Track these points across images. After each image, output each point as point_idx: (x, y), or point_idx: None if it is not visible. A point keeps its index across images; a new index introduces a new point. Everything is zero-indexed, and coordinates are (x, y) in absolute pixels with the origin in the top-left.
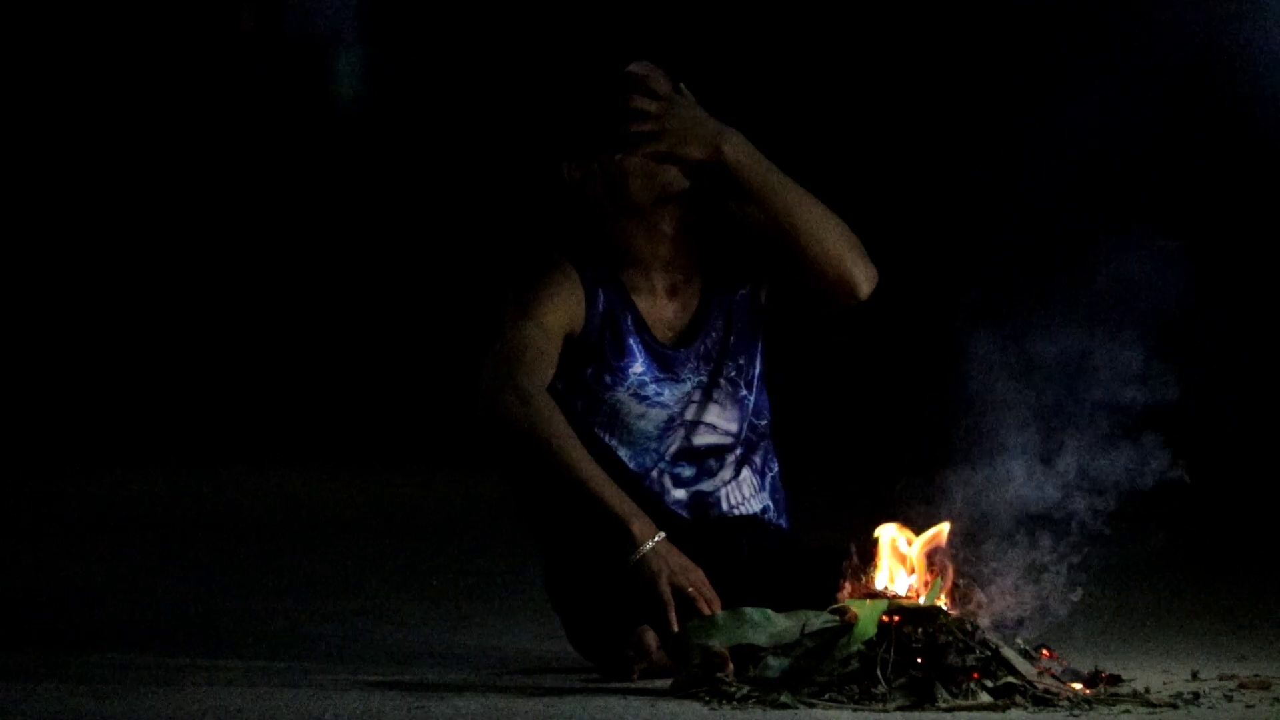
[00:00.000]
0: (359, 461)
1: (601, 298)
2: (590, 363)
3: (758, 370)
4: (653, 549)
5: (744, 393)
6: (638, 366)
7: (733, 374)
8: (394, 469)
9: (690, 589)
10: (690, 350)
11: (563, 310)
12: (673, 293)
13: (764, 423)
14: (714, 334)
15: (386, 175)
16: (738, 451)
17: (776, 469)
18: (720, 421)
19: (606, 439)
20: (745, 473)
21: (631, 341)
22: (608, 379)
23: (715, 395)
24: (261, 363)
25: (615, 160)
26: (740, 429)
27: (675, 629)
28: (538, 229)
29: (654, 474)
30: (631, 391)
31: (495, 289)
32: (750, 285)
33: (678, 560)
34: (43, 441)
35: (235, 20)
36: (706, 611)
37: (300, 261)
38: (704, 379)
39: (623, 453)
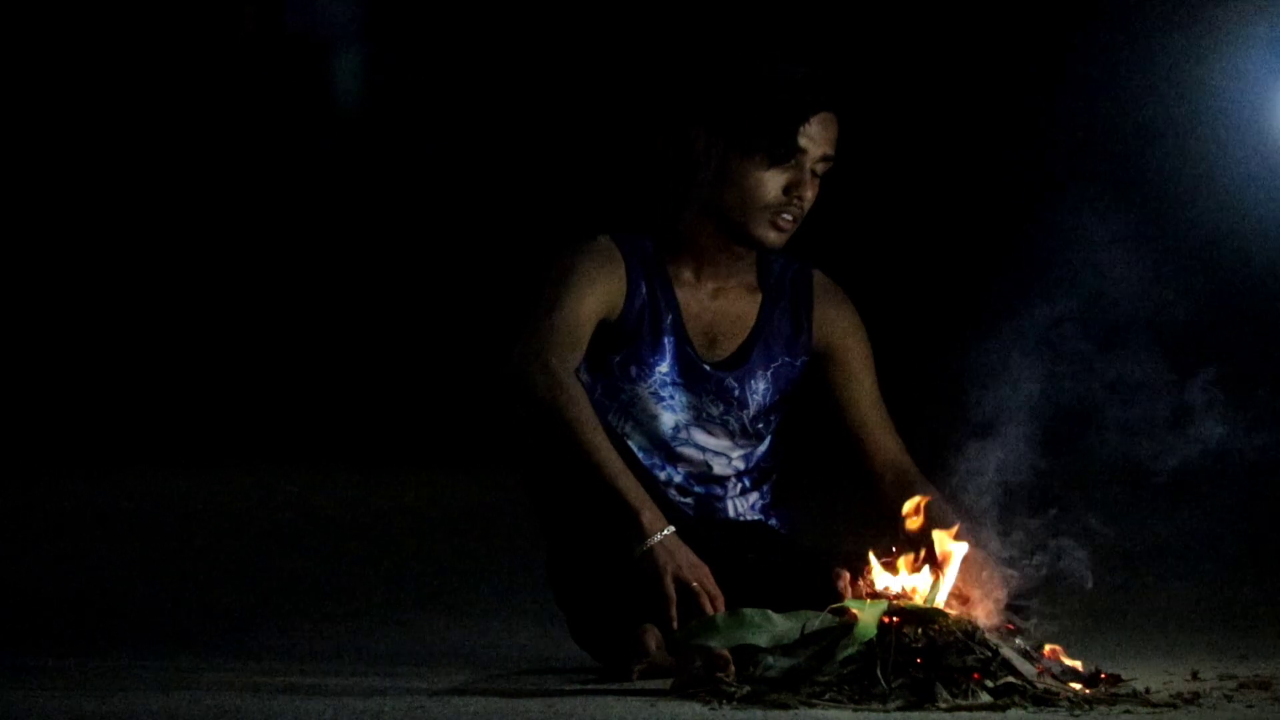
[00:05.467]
0: (360, 462)
1: (644, 288)
2: (621, 349)
3: (776, 420)
4: (661, 542)
5: (762, 444)
6: (664, 366)
7: (760, 426)
8: (395, 469)
9: (695, 584)
10: (719, 374)
11: (602, 295)
12: (716, 294)
13: (768, 465)
14: (753, 383)
15: (388, 174)
16: (745, 481)
17: (780, 492)
18: (734, 457)
19: (620, 429)
20: (752, 495)
21: (666, 340)
22: (633, 371)
23: (739, 441)
24: (262, 363)
25: (734, 158)
26: (747, 465)
27: (676, 625)
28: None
29: (661, 477)
30: (651, 390)
31: (494, 286)
32: (807, 359)
33: (684, 555)
34: (43, 441)
35: (236, 19)
36: (709, 609)
37: (301, 261)
38: (729, 420)
39: (633, 443)
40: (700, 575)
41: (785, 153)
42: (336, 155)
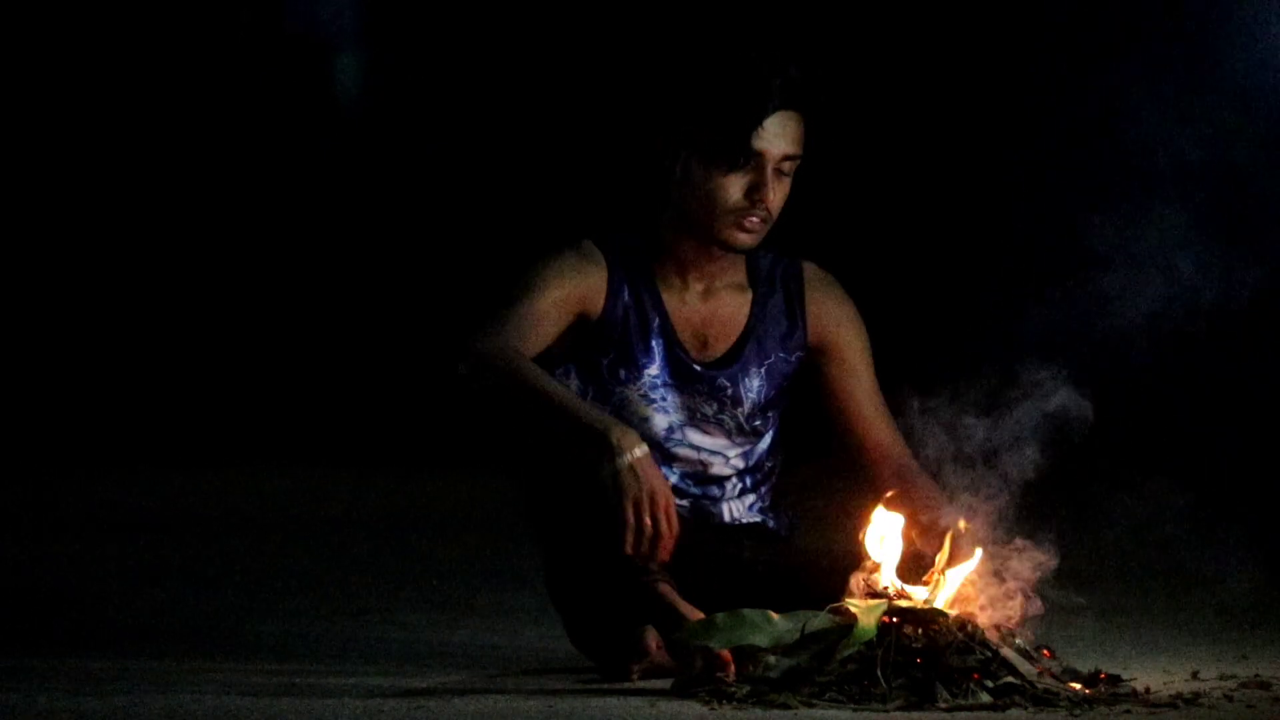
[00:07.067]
0: (359, 461)
1: (627, 291)
2: (609, 352)
3: (775, 416)
4: (632, 462)
5: (762, 441)
6: (653, 369)
7: (756, 424)
8: (395, 469)
9: (648, 519)
10: (710, 373)
11: (570, 289)
12: (705, 296)
13: (770, 464)
14: (747, 381)
15: (387, 174)
16: (746, 480)
17: (779, 494)
18: (732, 456)
19: None
20: (749, 497)
21: (654, 343)
22: (622, 374)
23: (737, 440)
24: (261, 363)
25: (695, 164)
26: (747, 464)
27: (629, 551)
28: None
29: None
30: (641, 392)
31: (494, 286)
32: (804, 354)
33: (650, 483)
34: (43, 441)
35: (234, 18)
36: (662, 551)
37: (302, 261)
38: (724, 419)
39: None
40: (659, 509)
41: (742, 157)
42: (336, 155)
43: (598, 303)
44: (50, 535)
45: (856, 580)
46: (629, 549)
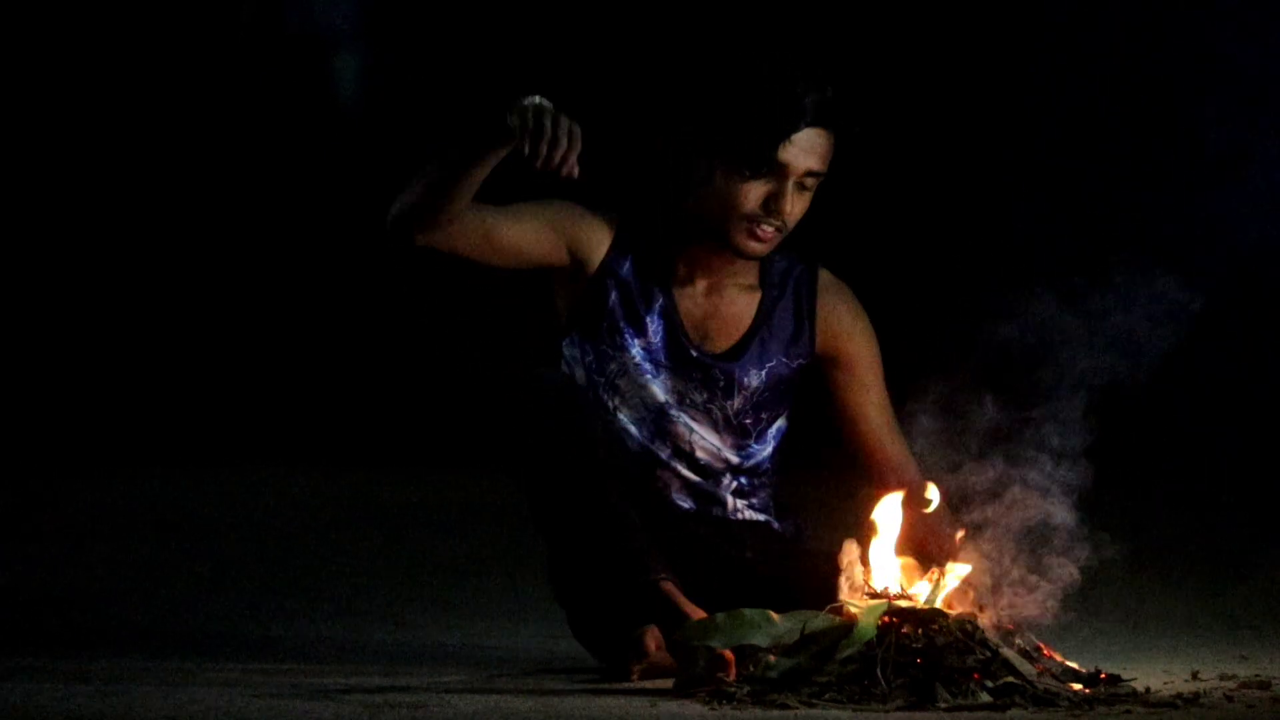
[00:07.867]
0: (359, 461)
1: (629, 265)
2: (606, 315)
3: (776, 428)
4: (538, 101)
5: (757, 445)
6: (648, 340)
7: (746, 421)
8: (393, 469)
9: (547, 123)
10: (707, 360)
11: (572, 220)
12: (710, 292)
13: (768, 468)
14: (744, 378)
15: (388, 174)
16: (741, 480)
17: (777, 496)
18: (710, 442)
19: (610, 403)
20: (751, 499)
21: (655, 320)
22: (619, 340)
23: (724, 433)
24: (261, 363)
25: (717, 166)
26: (742, 463)
27: (528, 151)
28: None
29: (657, 471)
30: (635, 361)
31: (494, 286)
32: (806, 362)
33: (553, 109)
34: (42, 443)
35: (234, 17)
36: (555, 152)
37: (302, 261)
38: (713, 409)
39: (623, 415)
40: (560, 125)
41: (765, 166)
42: (336, 155)
43: (594, 257)
44: (50, 535)
45: (847, 566)
46: (528, 149)
